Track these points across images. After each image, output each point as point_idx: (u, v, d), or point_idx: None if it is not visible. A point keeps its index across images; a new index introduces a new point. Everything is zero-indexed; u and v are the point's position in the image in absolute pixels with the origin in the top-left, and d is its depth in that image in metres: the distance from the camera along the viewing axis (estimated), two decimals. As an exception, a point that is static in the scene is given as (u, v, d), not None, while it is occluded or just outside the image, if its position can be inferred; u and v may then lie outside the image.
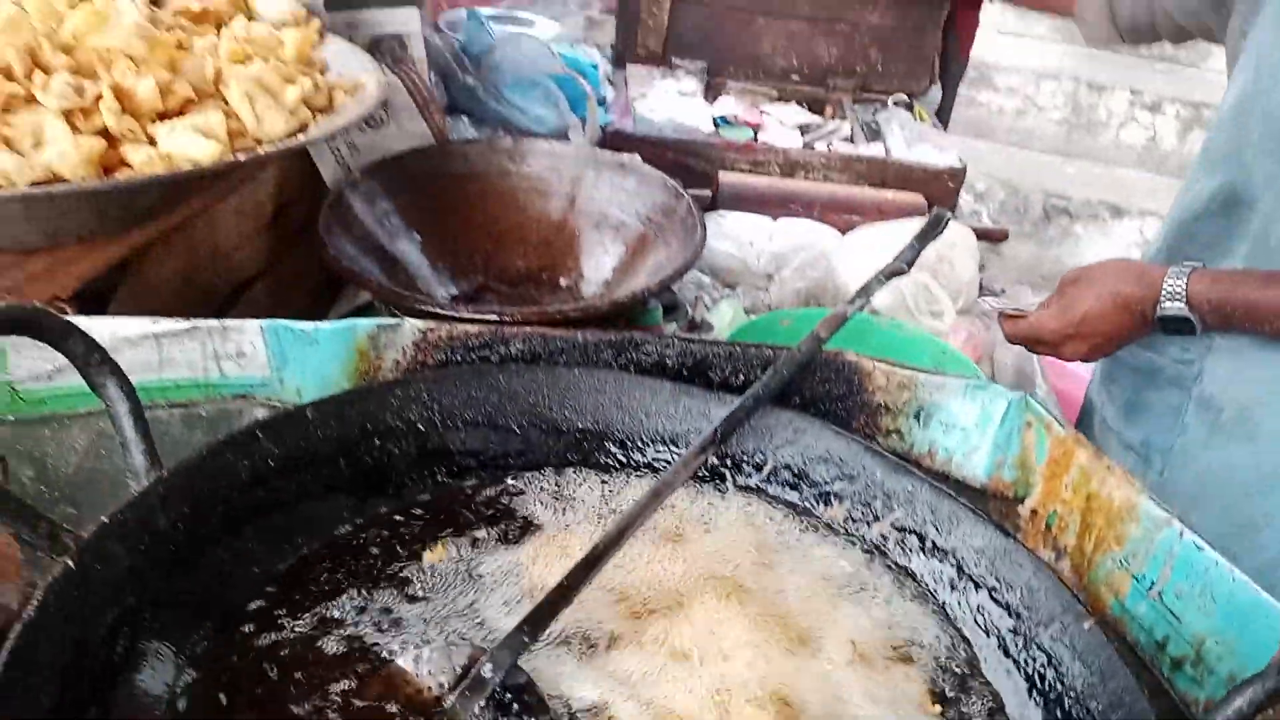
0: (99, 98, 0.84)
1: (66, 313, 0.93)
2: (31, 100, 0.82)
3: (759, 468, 0.91)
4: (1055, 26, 6.27)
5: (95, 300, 0.96)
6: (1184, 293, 1.13)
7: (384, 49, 1.46)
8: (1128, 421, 1.38)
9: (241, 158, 0.85)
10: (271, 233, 1.23)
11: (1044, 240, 5.44)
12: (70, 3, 0.95)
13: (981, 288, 1.47)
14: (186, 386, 0.94)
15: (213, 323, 0.91)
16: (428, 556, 0.75)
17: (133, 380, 0.72)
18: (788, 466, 0.90)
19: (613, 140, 1.89)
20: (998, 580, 0.77)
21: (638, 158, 1.80)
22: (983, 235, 1.86)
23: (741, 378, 0.96)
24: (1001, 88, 5.89)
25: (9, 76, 0.82)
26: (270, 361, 0.93)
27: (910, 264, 1.10)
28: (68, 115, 0.82)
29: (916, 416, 0.97)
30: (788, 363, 0.93)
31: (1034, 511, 0.90)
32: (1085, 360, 1.25)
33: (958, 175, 1.90)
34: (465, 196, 1.33)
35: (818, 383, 0.96)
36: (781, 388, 0.92)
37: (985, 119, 5.91)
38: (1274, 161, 1.14)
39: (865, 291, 1.05)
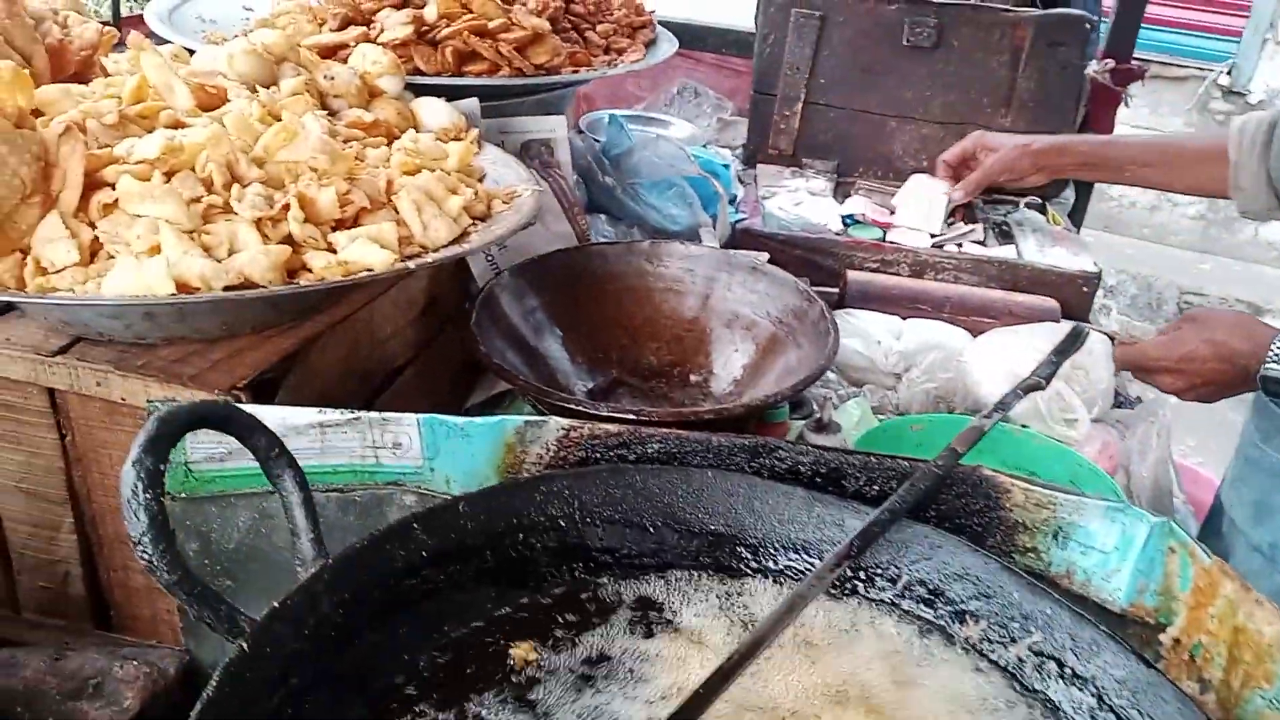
0: (286, 207, 0.92)
1: (242, 400, 1.01)
2: (227, 209, 0.91)
3: (893, 581, 0.91)
4: (1190, 121, 6.14)
5: (268, 386, 1.03)
6: None
7: (533, 152, 1.55)
8: (1256, 523, 1.35)
9: (411, 265, 0.91)
10: (423, 322, 1.30)
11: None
12: (264, 118, 1.05)
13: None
14: (345, 472, 1.00)
15: (374, 415, 0.97)
16: (557, 652, 0.78)
17: (296, 464, 0.77)
18: (922, 582, 0.90)
19: (742, 238, 1.94)
20: (1141, 713, 0.75)
21: (765, 257, 1.86)
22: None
23: (876, 488, 0.97)
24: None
25: (209, 188, 0.91)
26: (424, 452, 0.98)
27: (1048, 379, 1.10)
28: (258, 223, 0.90)
29: (1055, 536, 0.96)
30: (924, 477, 0.94)
31: (1177, 640, 0.88)
32: (1180, 396, 1.23)
33: (1092, 280, 1.87)
34: (604, 294, 1.38)
35: (953, 497, 0.96)
36: (918, 502, 0.92)
37: (1117, 213, 5.78)
38: None
39: (1002, 405, 1.05)
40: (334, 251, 0.94)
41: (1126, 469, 1.59)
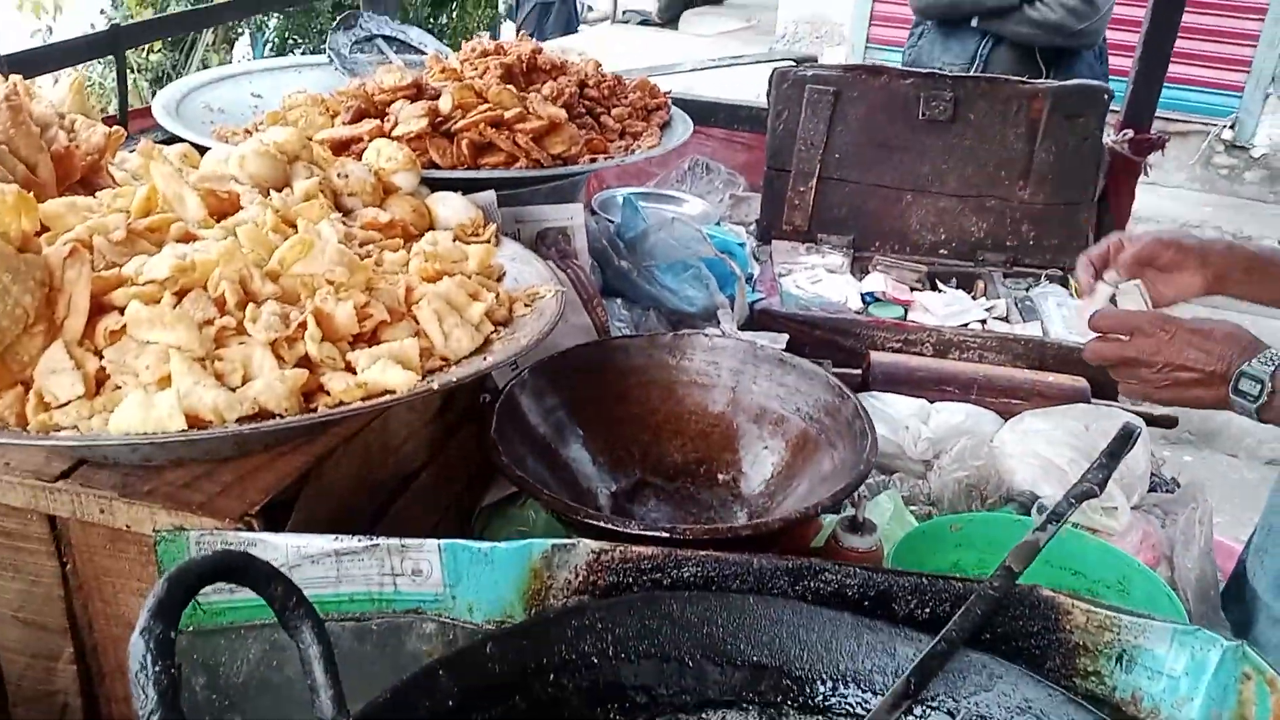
0: (303, 326, 0.87)
1: (254, 528, 0.95)
2: (241, 331, 0.86)
3: (951, 716, 0.85)
4: (1194, 176, 6.15)
5: (280, 509, 0.98)
6: (1273, 368, 1.10)
7: (549, 241, 1.51)
8: (1278, 595, 1.29)
9: (435, 385, 0.87)
10: (438, 422, 1.25)
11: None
12: (278, 227, 1.01)
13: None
14: (361, 600, 0.94)
15: (393, 542, 0.92)
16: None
17: (309, 595, 0.72)
18: (982, 716, 0.84)
19: (760, 319, 1.89)
20: None
21: (785, 339, 1.81)
22: (1151, 422, 1.77)
23: (928, 611, 0.91)
24: (1143, 238, 5.76)
25: (222, 308, 0.86)
26: (445, 579, 0.93)
27: (1102, 485, 1.04)
28: (273, 344, 0.85)
29: (1118, 660, 0.90)
30: (981, 601, 0.88)
31: (1258, 776, 0.81)
32: (1150, 375, 1.16)
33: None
34: (626, 390, 1.33)
35: (1010, 618, 0.91)
36: (975, 631, 0.86)
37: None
38: None
39: (1056, 516, 1.00)
40: (353, 371, 0.90)
41: (1169, 559, 1.52)
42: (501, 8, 8.53)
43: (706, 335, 1.41)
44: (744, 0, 10.84)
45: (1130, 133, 2.14)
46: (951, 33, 3.28)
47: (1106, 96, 2.07)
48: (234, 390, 0.82)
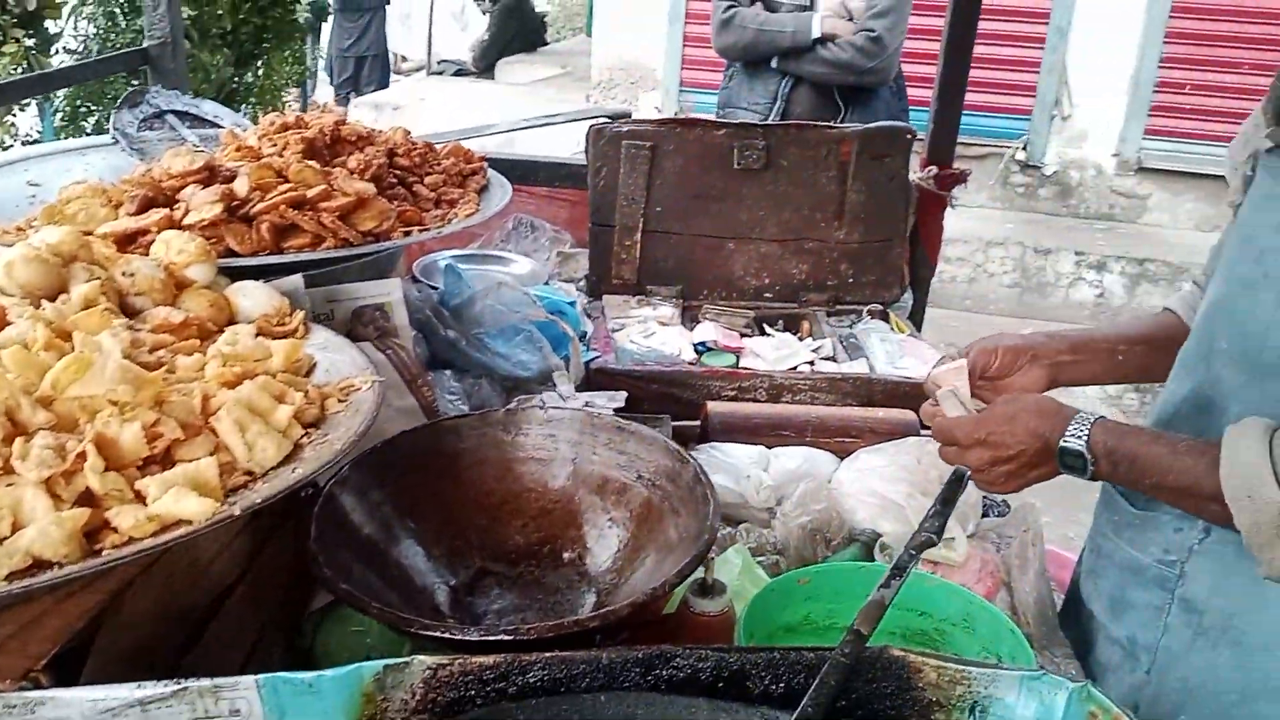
0: (82, 456, 0.78)
1: (42, 684, 0.85)
2: (9, 470, 0.77)
3: (814, 796, 0.83)
4: (994, 196, 6.54)
5: (72, 658, 0.87)
6: (1087, 433, 1.16)
7: (366, 319, 1.44)
8: (1113, 617, 1.36)
9: (236, 510, 0.79)
10: (251, 529, 1.15)
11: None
12: (50, 343, 0.91)
13: (941, 359, 1.42)
14: (174, 751, 0.85)
15: (204, 683, 0.83)
16: None
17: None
18: (845, 792, 0.82)
19: (597, 378, 1.87)
20: None
21: (624, 396, 1.79)
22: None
23: (783, 686, 0.89)
24: (953, 257, 6.08)
25: (-15, 445, 0.77)
26: (266, 717, 0.85)
27: (939, 533, 1.06)
28: (47, 482, 0.76)
29: (971, 711, 0.91)
30: (834, 671, 0.87)
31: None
32: (989, 473, 1.22)
33: (945, 387, 1.88)
34: (459, 473, 1.28)
35: (864, 681, 0.90)
36: (831, 702, 0.85)
37: (939, 288, 6.04)
38: (1240, 371, 1.16)
39: (899, 570, 1.00)
40: (144, 501, 0.81)
41: (1008, 585, 1.57)
42: (310, 62, 8.32)
43: (542, 408, 1.37)
44: (558, 48, 10.96)
45: (934, 169, 2.24)
46: (755, 74, 3.41)
47: (909, 136, 2.16)
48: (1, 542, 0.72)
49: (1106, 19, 5.95)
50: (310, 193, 1.34)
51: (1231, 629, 1.20)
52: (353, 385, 1.07)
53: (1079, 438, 1.15)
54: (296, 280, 1.29)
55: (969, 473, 1.16)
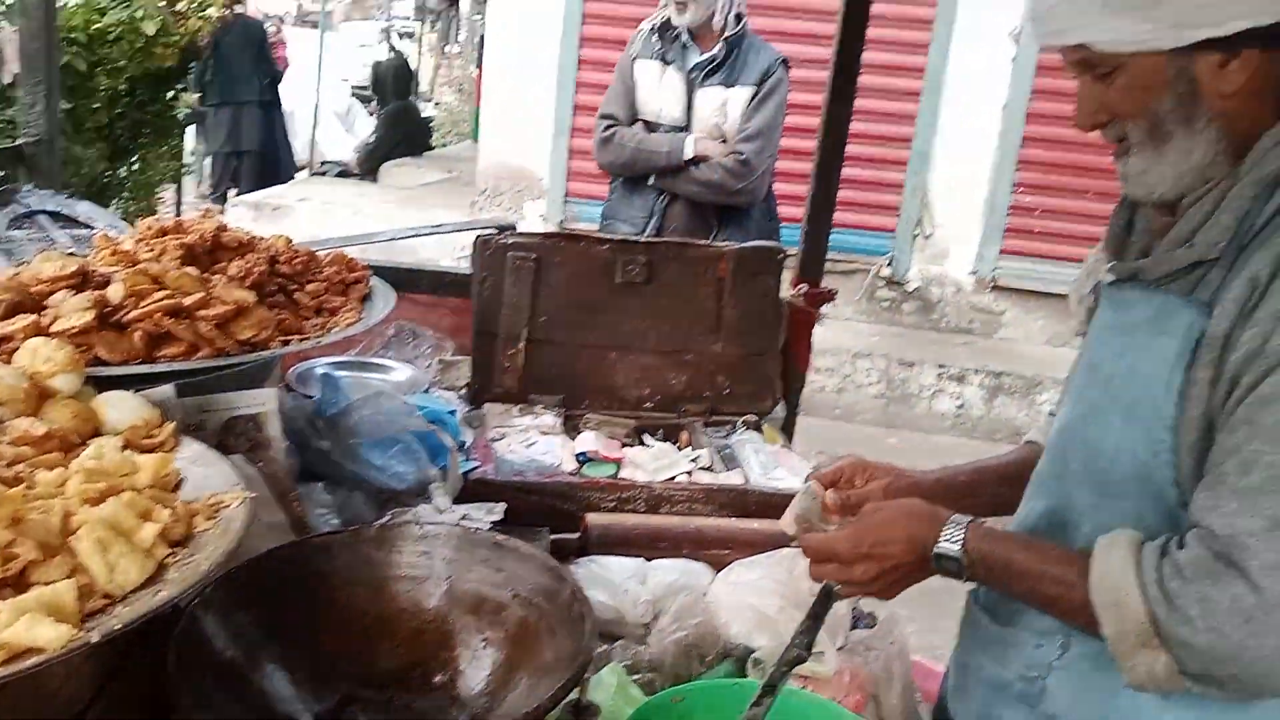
0: (-73, 582, 0.74)
1: None
2: None
3: None
4: (861, 309, 6.84)
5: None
6: (962, 538, 1.20)
7: (238, 431, 1.41)
8: None
9: (94, 638, 0.76)
10: (104, 653, 1.09)
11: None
12: (-104, 459, 0.87)
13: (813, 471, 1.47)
14: None
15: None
16: None
17: None
18: None
19: (475, 489, 1.86)
20: None
21: (502, 508, 1.78)
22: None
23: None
24: (822, 368, 6.29)
25: None
26: None
27: (809, 648, 1.08)
28: (-112, 609, 0.72)
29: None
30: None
31: None
32: (872, 585, 1.26)
33: (816, 500, 1.94)
34: (329, 594, 1.25)
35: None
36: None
37: (810, 396, 6.21)
38: (1092, 492, 1.23)
39: (771, 688, 1.02)
40: (-8, 628, 0.77)
41: (876, 698, 1.60)
42: (189, 157, 8.17)
43: (418, 524, 1.35)
44: (444, 152, 11.06)
45: (805, 287, 2.35)
46: (634, 189, 3.53)
47: (781, 256, 2.26)
48: None
49: (964, 146, 6.38)
50: (188, 300, 1.32)
51: None
52: (222, 502, 1.05)
53: (954, 542, 1.19)
54: (168, 390, 1.26)
55: (837, 587, 1.20)
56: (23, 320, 1.23)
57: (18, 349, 1.18)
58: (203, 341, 1.31)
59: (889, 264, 6.72)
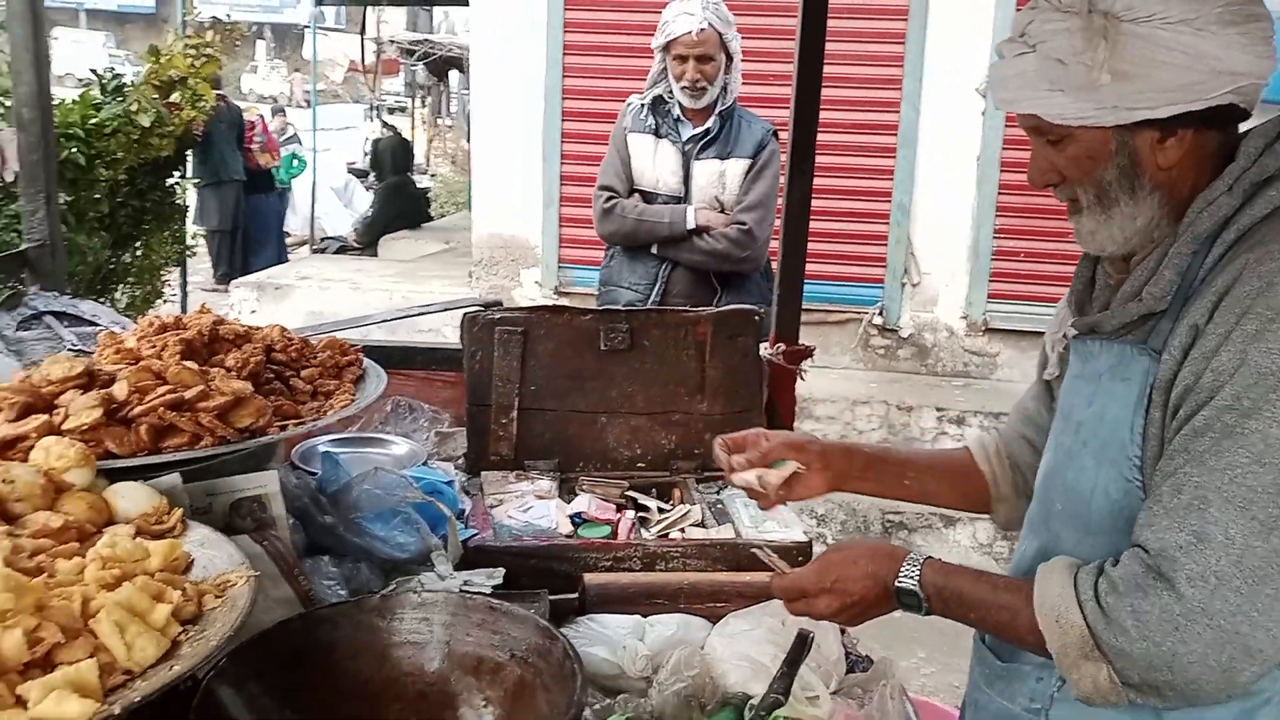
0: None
1: None
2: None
3: None
4: (857, 358, 6.93)
5: None
6: (918, 573, 1.29)
7: (244, 512, 1.49)
8: None
9: (116, 710, 0.83)
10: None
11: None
12: (-72, 555, 0.94)
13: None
14: None
15: None
16: None
17: None
18: None
19: (475, 556, 1.92)
20: None
21: (501, 573, 1.84)
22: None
23: None
24: (822, 416, 6.36)
25: None
26: None
27: (786, 693, 1.15)
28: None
29: None
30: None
31: None
32: (837, 617, 1.35)
33: (805, 549, 2.01)
34: (336, 662, 1.31)
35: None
36: None
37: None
38: (1074, 530, 1.31)
39: (750, 732, 1.08)
40: (24, 705, 0.84)
41: (872, 741, 1.65)
42: (191, 240, 8.31)
43: (416, 591, 1.42)
44: (442, 224, 11.25)
45: (782, 346, 2.43)
46: (635, 257, 3.61)
47: (758, 318, 2.35)
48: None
49: (943, 196, 6.53)
50: (188, 394, 1.41)
51: None
52: (229, 581, 1.12)
53: (911, 578, 1.28)
54: (174, 478, 1.34)
55: (811, 635, 1.26)
56: (35, 420, 1.31)
57: (33, 447, 1.26)
58: (204, 431, 1.39)
59: (880, 313, 6.82)
